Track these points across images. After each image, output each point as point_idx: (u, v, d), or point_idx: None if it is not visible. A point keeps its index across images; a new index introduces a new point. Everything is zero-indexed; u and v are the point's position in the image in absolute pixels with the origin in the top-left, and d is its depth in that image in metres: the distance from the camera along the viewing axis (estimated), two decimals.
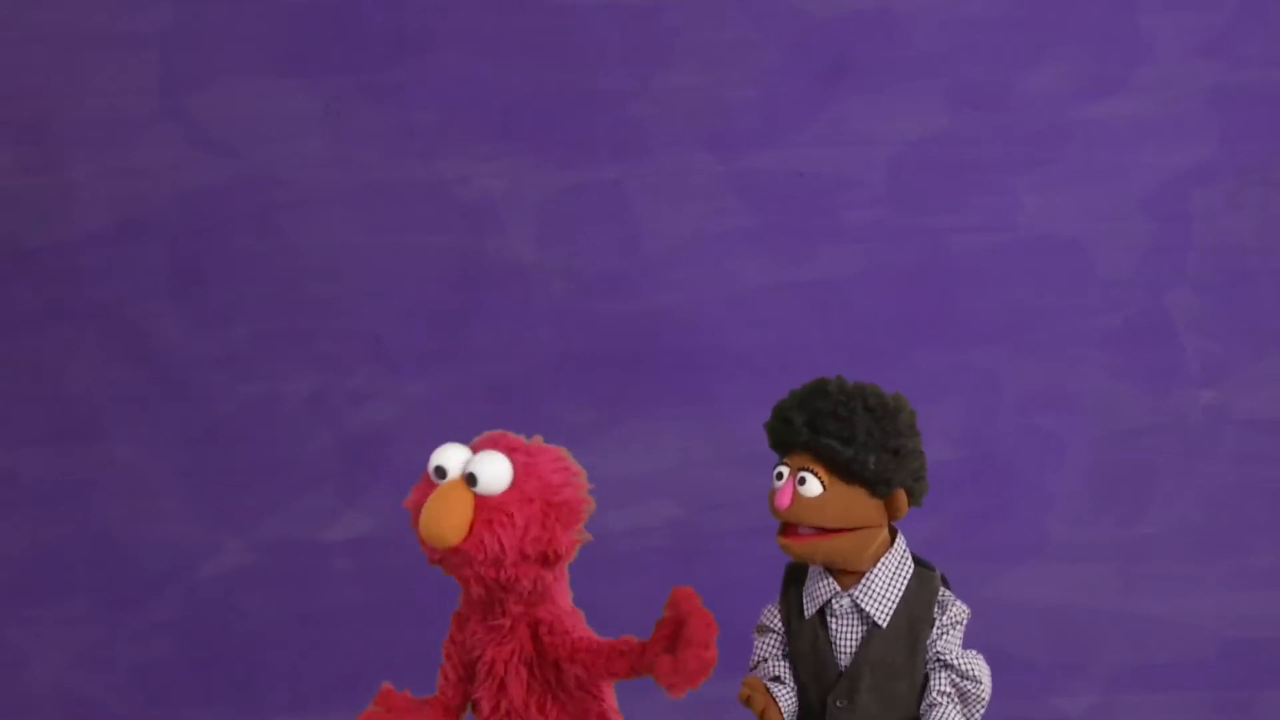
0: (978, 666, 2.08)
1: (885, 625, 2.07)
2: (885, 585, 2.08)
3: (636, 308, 3.06)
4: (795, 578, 2.12)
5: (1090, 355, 3.06)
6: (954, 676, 2.08)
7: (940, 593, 2.10)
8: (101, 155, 3.05)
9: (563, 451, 2.14)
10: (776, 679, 2.11)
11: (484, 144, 3.06)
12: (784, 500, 2.03)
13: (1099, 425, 3.06)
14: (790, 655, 2.11)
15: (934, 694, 2.07)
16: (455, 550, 2.03)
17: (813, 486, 2.03)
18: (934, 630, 2.08)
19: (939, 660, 2.08)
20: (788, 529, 2.05)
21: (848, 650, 2.08)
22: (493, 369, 3.07)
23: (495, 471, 2.06)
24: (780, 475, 2.04)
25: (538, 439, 2.14)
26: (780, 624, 2.12)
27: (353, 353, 3.07)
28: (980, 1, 3.05)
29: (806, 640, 2.09)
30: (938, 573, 2.12)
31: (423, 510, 2.04)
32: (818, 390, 2.06)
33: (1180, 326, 3.06)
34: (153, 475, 3.07)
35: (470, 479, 2.05)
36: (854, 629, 2.08)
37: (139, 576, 3.07)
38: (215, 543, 3.07)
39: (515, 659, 2.11)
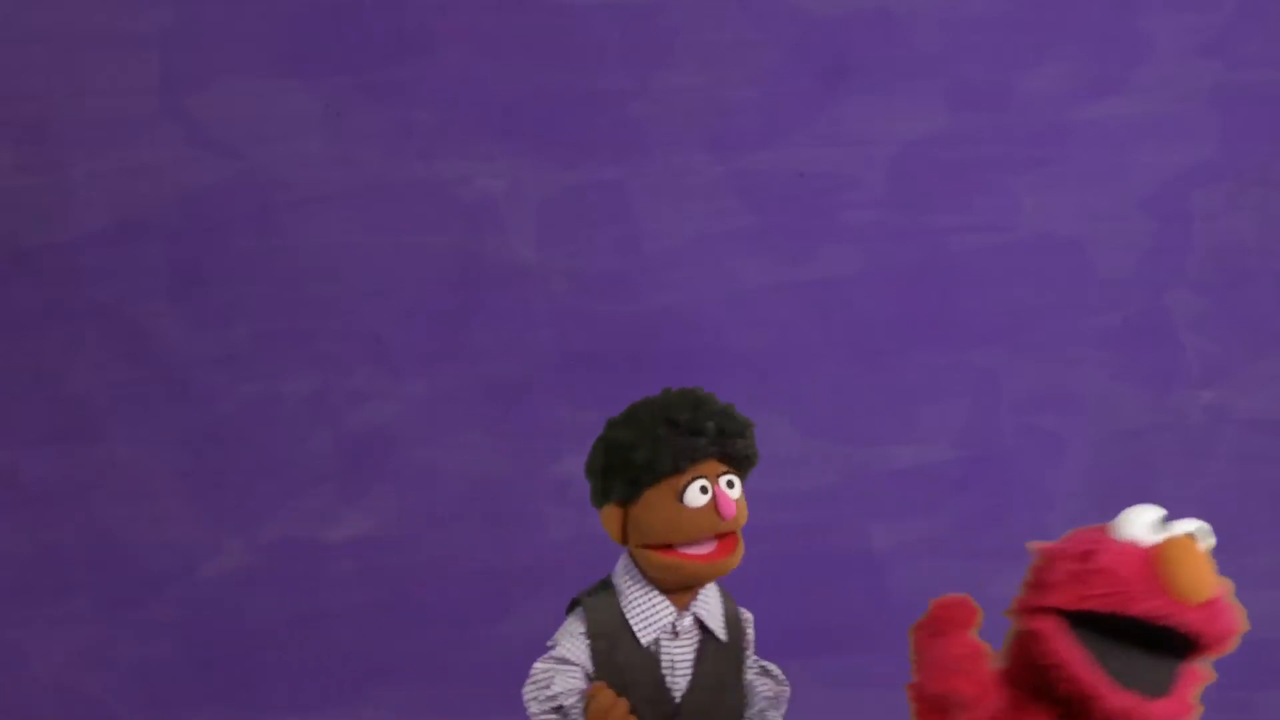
0: (779, 669, 2.09)
1: (725, 638, 2.04)
2: (714, 598, 2.05)
3: (636, 308, 3.06)
4: (600, 608, 2.04)
5: (1090, 355, 3.06)
6: (771, 682, 2.07)
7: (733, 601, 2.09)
8: (101, 155, 3.05)
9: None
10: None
11: (484, 144, 3.06)
12: (732, 508, 1.99)
13: (1099, 425, 3.06)
14: (620, 688, 2.00)
15: (761, 700, 2.06)
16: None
17: (738, 489, 2.01)
18: (748, 639, 2.07)
19: (759, 667, 2.07)
20: (720, 545, 2.01)
21: (685, 673, 2.02)
22: (493, 369, 3.07)
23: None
24: (705, 490, 1.99)
25: None
26: (588, 658, 2.03)
27: (353, 353, 3.07)
28: (980, 1, 3.05)
29: (642, 670, 2.01)
30: None
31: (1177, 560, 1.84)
32: (700, 399, 2.03)
33: (1180, 326, 3.06)
34: (153, 475, 3.07)
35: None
36: (691, 649, 2.03)
37: (139, 576, 3.06)
38: (215, 543, 3.06)
39: None
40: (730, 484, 2.00)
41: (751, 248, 3.06)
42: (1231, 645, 1.85)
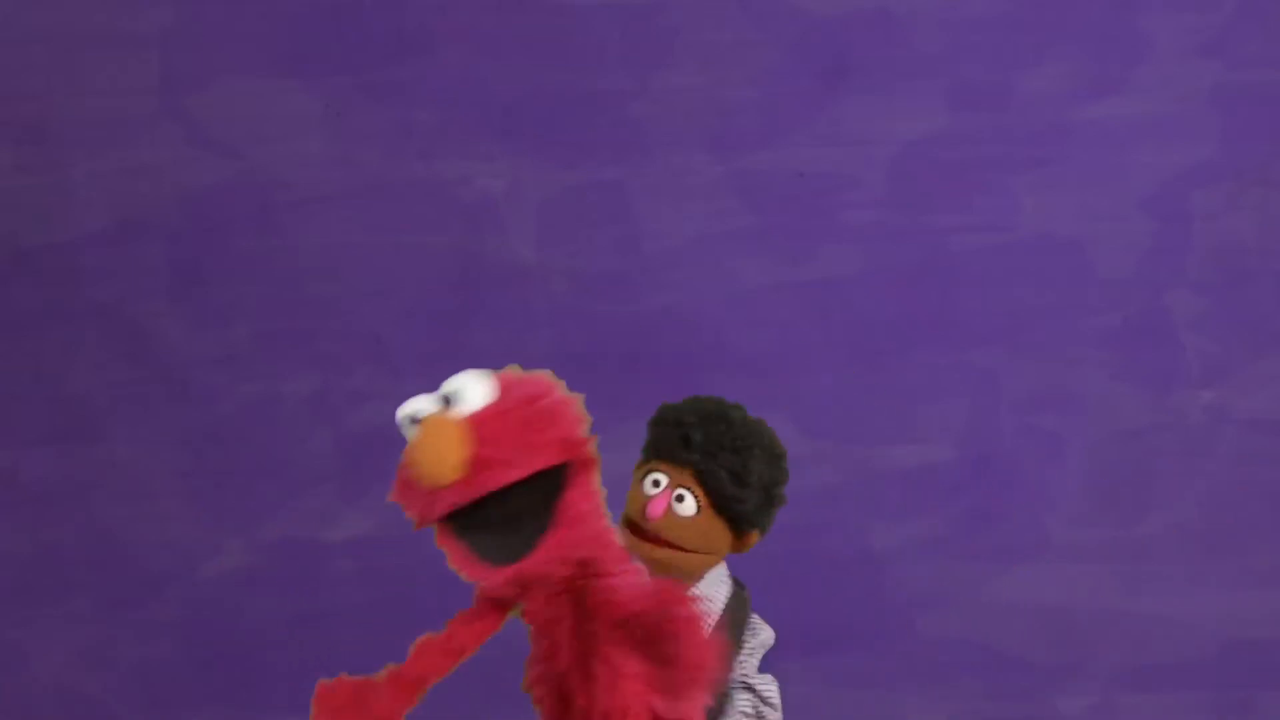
0: (773, 692, 2.09)
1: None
2: (709, 597, 2.06)
3: (636, 308, 3.06)
4: None
5: (1090, 355, 3.06)
6: (756, 701, 2.08)
7: (752, 615, 2.09)
8: (101, 155, 3.06)
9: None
10: None
11: (484, 144, 3.06)
12: (657, 511, 2.01)
13: (1099, 425, 3.06)
14: None
15: (737, 714, 2.07)
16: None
17: (689, 507, 2.02)
18: (743, 651, 2.08)
19: (743, 681, 2.08)
20: (646, 533, 2.02)
21: None
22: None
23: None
24: (658, 483, 2.02)
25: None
26: None
27: (353, 353, 3.07)
28: (980, 1, 3.05)
29: None
30: (748, 593, 2.11)
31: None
32: (720, 415, 2.04)
33: (1180, 326, 3.06)
34: (153, 475, 3.07)
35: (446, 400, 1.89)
36: None
37: (139, 576, 3.07)
38: (215, 543, 3.07)
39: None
40: (680, 498, 2.01)
41: (751, 248, 3.06)
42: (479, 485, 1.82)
